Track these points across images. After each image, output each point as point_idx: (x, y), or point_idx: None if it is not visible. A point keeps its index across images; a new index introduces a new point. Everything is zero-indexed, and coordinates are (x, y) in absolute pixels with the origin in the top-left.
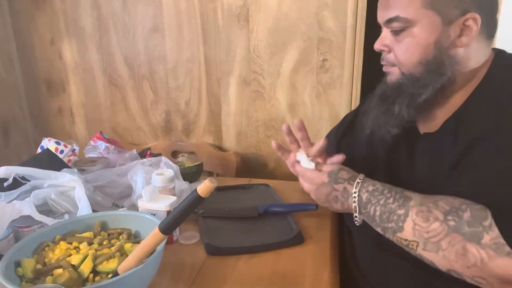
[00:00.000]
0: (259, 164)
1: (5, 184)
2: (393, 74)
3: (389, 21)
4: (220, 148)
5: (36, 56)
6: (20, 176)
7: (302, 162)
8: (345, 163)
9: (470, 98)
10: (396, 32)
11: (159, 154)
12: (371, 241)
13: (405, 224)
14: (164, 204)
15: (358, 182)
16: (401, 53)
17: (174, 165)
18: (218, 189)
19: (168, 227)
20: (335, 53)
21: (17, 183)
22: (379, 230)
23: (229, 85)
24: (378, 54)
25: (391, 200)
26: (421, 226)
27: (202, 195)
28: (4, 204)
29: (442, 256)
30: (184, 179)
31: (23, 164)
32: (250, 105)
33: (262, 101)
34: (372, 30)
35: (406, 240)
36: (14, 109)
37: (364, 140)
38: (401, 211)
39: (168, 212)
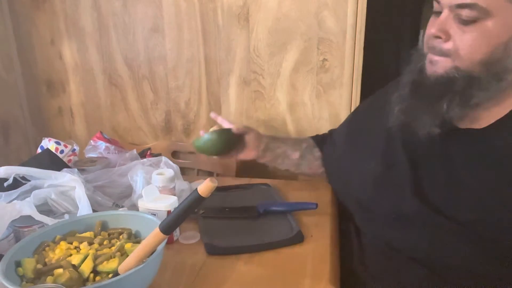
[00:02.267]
0: (259, 164)
1: (5, 184)
2: (440, 65)
3: (462, 6)
4: None
5: (36, 56)
6: (20, 176)
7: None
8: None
9: None
10: (464, 21)
11: (159, 154)
12: (383, 243)
13: None
14: (164, 204)
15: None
16: (465, 46)
17: (174, 165)
18: (218, 189)
19: (169, 227)
20: (335, 53)
21: (17, 183)
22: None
23: (229, 85)
24: (378, 54)
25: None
26: None
27: (203, 195)
28: (4, 204)
29: None
30: (225, 147)
31: (23, 164)
32: (250, 105)
33: (262, 101)
34: (372, 30)
35: None
36: (14, 109)
37: (381, 129)
38: None
39: (169, 212)
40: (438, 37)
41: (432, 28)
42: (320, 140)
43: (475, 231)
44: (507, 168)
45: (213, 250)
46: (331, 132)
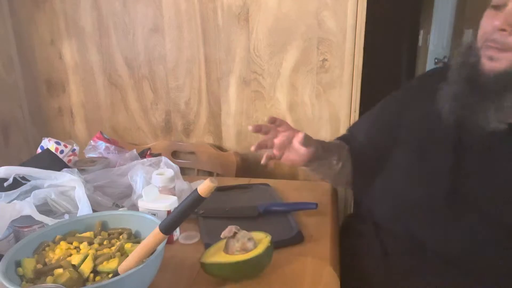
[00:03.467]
0: (259, 164)
1: (5, 184)
2: (502, 61)
3: None
4: (220, 148)
5: (36, 56)
6: (20, 176)
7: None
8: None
9: None
10: None
11: (159, 154)
12: (413, 240)
13: None
14: (164, 204)
15: None
16: None
17: (174, 165)
18: (218, 189)
19: (169, 227)
20: (335, 53)
21: (17, 183)
22: None
23: (229, 85)
24: (378, 54)
25: None
26: None
27: (203, 195)
28: (4, 204)
29: None
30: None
31: (23, 164)
32: (250, 105)
33: (262, 101)
34: (372, 30)
35: None
36: (14, 109)
37: (415, 139)
38: None
39: (168, 212)
40: (502, 29)
41: (496, 20)
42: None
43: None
44: None
45: None
46: (351, 131)
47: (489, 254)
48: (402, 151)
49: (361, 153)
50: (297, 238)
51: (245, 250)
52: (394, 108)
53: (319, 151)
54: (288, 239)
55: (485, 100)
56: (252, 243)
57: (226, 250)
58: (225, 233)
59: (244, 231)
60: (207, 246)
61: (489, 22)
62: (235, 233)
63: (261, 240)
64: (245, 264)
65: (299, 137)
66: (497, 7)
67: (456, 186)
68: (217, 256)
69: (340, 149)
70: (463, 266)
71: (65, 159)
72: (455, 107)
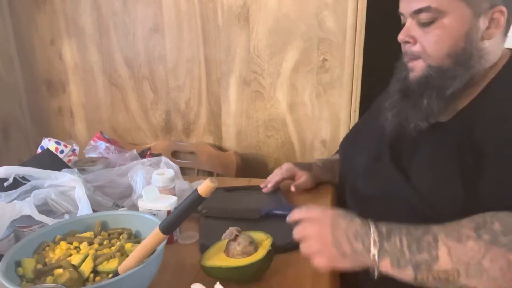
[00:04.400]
0: (259, 164)
1: (5, 184)
2: (417, 68)
3: (418, 11)
4: (220, 148)
5: (36, 56)
6: (20, 176)
7: None
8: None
9: (486, 91)
10: (424, 24)
11: (159, 154)
12: None
13: (439, 251)
14: (164, 204)
15: (369, 219)
16: (430, 45)
17: (174, 165)
18: (224, 189)
19: (169, 227)
20: (335, 53)
21: (17, 183)
22: (409, 270)
23: (229, 85)
24: (378, 54)
25: (412, 228)
26: (457, 248)
27: (203, 195)
28: (4, 204)
29: (486, 278)
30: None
31: (23, 164)
32: (250, 105)
33: (262, 101)
34: (372, 30)
35: (444, 271)
36: (14, 109)
37: (376, 131)
38: (429, 237)
39: (169, 212)
40: (407, 42)
41: (400, 35)
42: None
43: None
44: (456, 158)
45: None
46: None
47: None
48: (365, 153)
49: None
50: (293, 244)
51: (246, 253)
52: (362, 123)
53: (319, 177)
54: (284, 245)
55: (408, 103)
56: (253, 247)
57: (227, 252)
58: (226, 235)
59: (245, 234)
60: (203, 247)
61: (398, 37)
62: (236, 236)
63: (262, 242)
64: (246, 268)
65: (292, 189)
66: (402, 14)
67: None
68: (217, 258)
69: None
70: None
71: (65, 159)
72: (393, 115)
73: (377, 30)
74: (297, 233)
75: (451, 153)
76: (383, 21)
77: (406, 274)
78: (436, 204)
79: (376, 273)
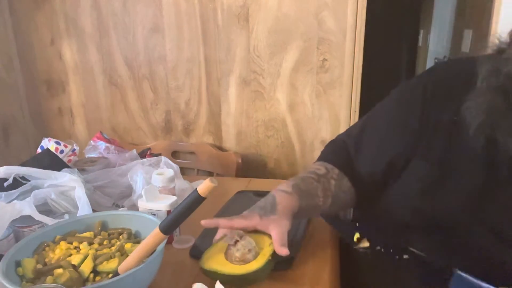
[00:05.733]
0: (259, 164)
1: (5, 184)
2: None
3: None
4: (220, 148)
5: (36, 56)
6: (20, 176)
7: None
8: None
9: None
10: None
11: (159, 154)
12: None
13: None
14: (164, 204)
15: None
16: None
17: (174, 165)
18: (254, 193)
19: (169, 227)
20: (335, 53)
21: (17, 183)
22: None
23: (229, 85)
24: (378, 54)
25: None
26: None
27: (203, 195)
28: (4, 204)
29: None
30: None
31: (23, 164)
32: (250, 105)
33: (262, 101)
34: (372, 30)
35: None
36: (14, 109)
37: (438, 150)
38: None
39: (168, 212)
40: None
41: None
42: (345, 163)
43: None
44: None
45: (196, 254)
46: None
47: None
48: (421, 158)
49: (369, 173)
50: (283, 265)
51: (243, 261)
52: (415, 108)
53: (297, 213)
54: (276, 263)
55: None
56: (252, 254)
57: (226, 255)
58: (227, 239)
59: (246, 240)
60: (193, 248)
61: None
62: (236, 241)
63: (264, 247)
64: (240, 277)
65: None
66: None
67: (478, 209)
68: (216, 259)
69: (325, 184)
70: None
71: (65, 159)
72: (487, 124)
73: (377, 30)
74: None
75: None
76: (383, 21)
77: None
78: None
79: None
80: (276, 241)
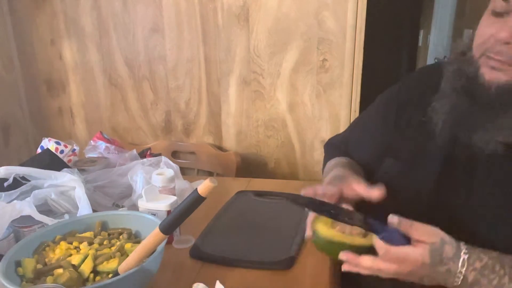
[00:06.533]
0: (259, 164)
1: (5, 184)
2: (504, 73)
3: None
4: (220, 148)
5: (36, 56)
6: (20, 176)
7: None
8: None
9: None
10: None
11: (159, 154)
12: None
13: None
14: (164, 204)
15: (464, 259)
16: None
17: (174, 165)
18: (257, 194)
19: (169, 227)
20: (335, 53)
21: (17, 183)
22: None
23: (229, 85)
24: (378, 54)
25: (506, 279)
26: None
27: (203, 195)
28: (4, 204)
29: None
30: None
31: (23, 164)
32: (250, 105)
33: (262, 101)
34: (372, 30)
35: None
36: (14, 109)
37: (408, 148)
38: None
39: (168, 212)
40: (507, 42)
41: (501, 32)
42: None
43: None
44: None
45: (196, 254)
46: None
47: None
48: (392, 156)
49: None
50: (284, 264)
51: (361, 234)
52: (390, 113)
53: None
54: (275, 263)
55: (484, 118)
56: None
57: (335, 227)
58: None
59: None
60: (193, 248)
61: (490, 32)
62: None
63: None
64: (366, 249)
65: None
66: (499, 14)
67: (439, 202)
68: (330, 232)
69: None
70: None
71: (65, 159)
72: (450, 122)
73: (377, 30)
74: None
75: None
76: (383, 21)
77: None
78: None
79: None
80: (361, 189)
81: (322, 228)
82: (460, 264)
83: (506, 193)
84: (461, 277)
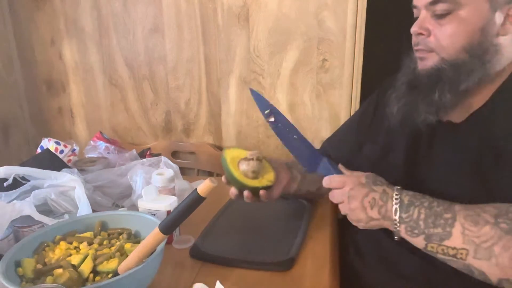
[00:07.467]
0: None
1: (5, 184)
2: (428, 60)
3: (434, 2)
4: (220, 148)
5: (36, 56)
6: (20, 176)
7: None
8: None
9: (503, 90)
10: (439, 16)
11: (159, 154)
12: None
13: (453, 229)
14: (164, 204)
15: (397, 188)
16: (445, 38)
17: (174, 165)
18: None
19: (168, 227)
20: (335, 53)
21: (17, 183)
22: (420, 239)
23: (229, 85)
24: (378, 54)
25: (435, 203)
26: (471, 230)
27: (203, 195)
28: (4, 204)
29: (494, 263)
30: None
31: (23, 164)
32: (250, 105)
33: None
34: (372, 30)
35: (454, 248)
36: (14, 109)
37: (383, 136)
38: (447, 215)
39: (168, 212)
40: (420, 34)
41: (414, 27)
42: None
43: None
44: (474, 159)
45: (196, 254)
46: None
47: None
48: (371, 142)
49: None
50: (283, 265)
51: (244, 175)
52: (370, 109)
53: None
54: (273, 264)
55: (420, 100)
56: (253, 176)
57: (238, 162)
58: (252, 153)
59: (259, 164)
60: (193, 248)
61: (412, 28)
62: (251, 159)
63: (267, 173)
64: (235, 181)
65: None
66: (415, 7)
67: (411, 177)
68: (233, 164)
69: None
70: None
71: (65, 159)
72: (401, 107)
73: (377, 30)
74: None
75: (470, 156)
76: (383, 21)
77: (418, 242)
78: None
79: (396, 236)
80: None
81: (232, 167)
82: (394, 188)
83: (448, 160)
84: (398, 199)
